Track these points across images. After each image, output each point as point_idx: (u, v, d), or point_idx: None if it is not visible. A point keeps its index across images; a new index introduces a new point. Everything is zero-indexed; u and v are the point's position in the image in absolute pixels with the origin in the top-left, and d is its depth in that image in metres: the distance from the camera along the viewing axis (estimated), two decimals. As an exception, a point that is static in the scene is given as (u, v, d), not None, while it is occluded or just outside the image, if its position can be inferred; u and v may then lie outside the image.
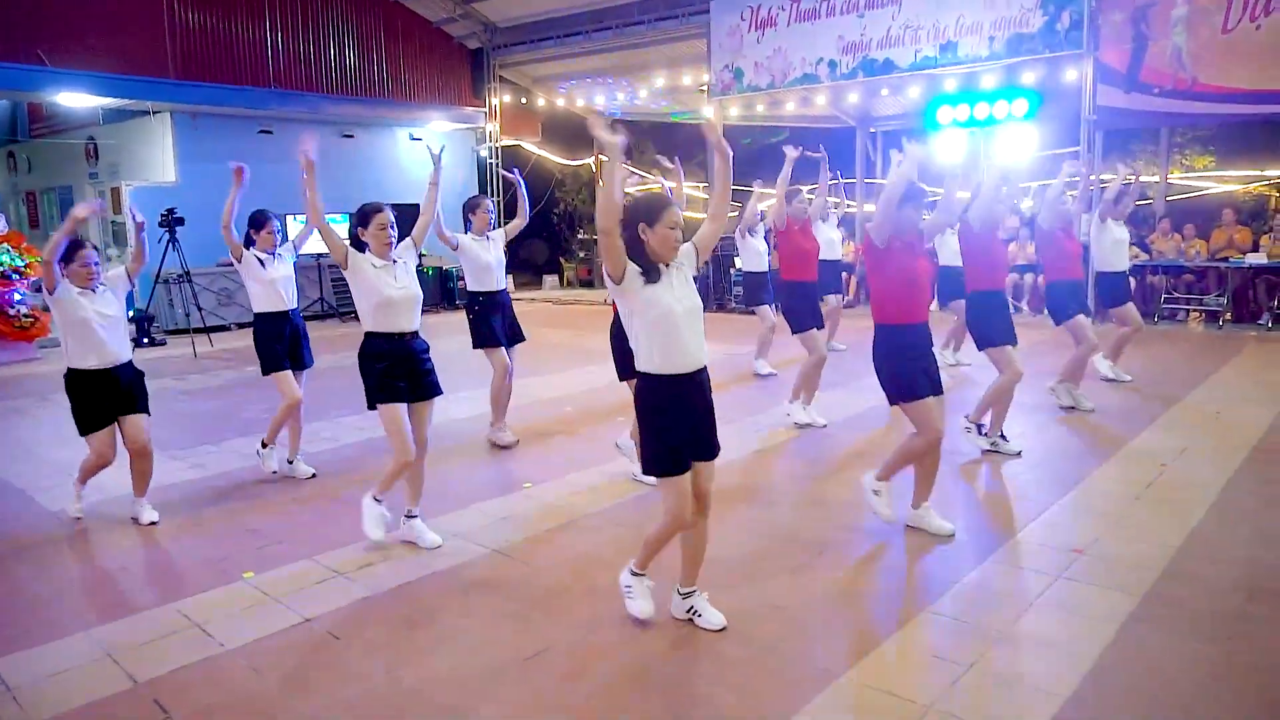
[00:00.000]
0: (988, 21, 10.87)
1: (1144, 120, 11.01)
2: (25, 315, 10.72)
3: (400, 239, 4.24)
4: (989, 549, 4.09)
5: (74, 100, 12.44)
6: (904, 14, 11.46)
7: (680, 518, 3.18)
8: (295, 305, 5.47)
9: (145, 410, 4.66)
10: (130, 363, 4.63)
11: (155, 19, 13.03)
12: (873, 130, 17.33)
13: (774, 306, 8.13)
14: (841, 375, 7.93)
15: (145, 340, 11.62)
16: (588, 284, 19.47)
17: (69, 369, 4.51)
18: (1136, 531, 4.25)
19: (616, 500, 4.93)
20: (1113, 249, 7.44)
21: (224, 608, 3.65)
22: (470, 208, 6.01)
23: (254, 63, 14.17)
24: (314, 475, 5.47)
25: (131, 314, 11.67)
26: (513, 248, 6.26)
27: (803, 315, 6.41)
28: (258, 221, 5.33)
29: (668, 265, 3.14)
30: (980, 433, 5.66)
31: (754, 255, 8.18)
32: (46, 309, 4.56)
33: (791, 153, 5.98)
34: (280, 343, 5.35)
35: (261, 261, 5.28)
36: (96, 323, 4.43)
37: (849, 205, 18.02)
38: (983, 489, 5.07)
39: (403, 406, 4.14)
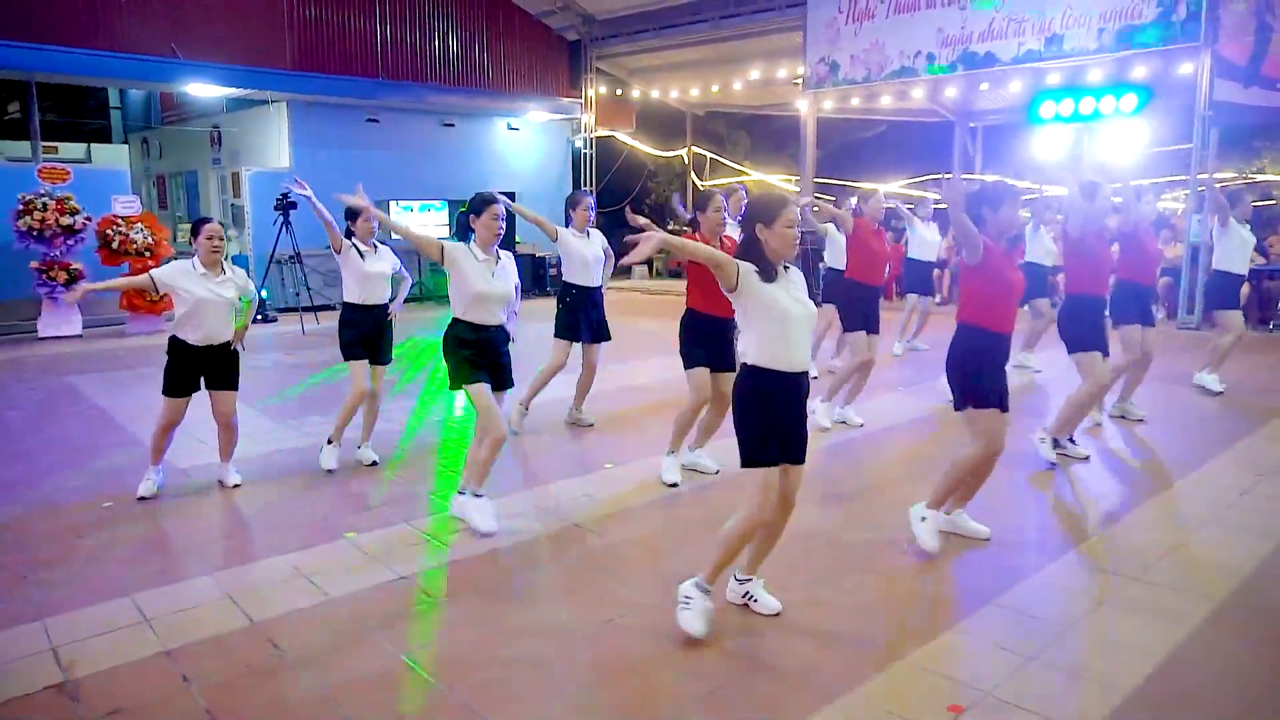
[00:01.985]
0: (1096, 13, 10.50)
1: (1264, 116, 10.45)
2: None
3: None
4: (1062, 549, 4.09)
5: (201, 90, 13.29)
6: (1008, 6, 11.17)
7: (761, 512, 3.21)
8: (385, 302, 5.46)
9: (235, 387, 5.00)
10: (227, 342, 4.91)
11: (275, 12, 13.79)
12: (972, 125, 16.95)
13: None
14: (914, 372, 7.89)
15: (259, 317, 12.38)
16: (676, 274, 19.61)
17: (173, 336, 4.84)
18: (1222, 539, 4.18)
19: (687, 485, 5.10)
20: (1239, 249, 7.14)
21: (328, 562, 3.99)
22: (571, 204, 6.14)
23: (363, 54, 14.82)
24: (375, 463, 5.50)
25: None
26: (606, 238, 6.34)
27: (856, 316, 6.29)
28: (353, 211, 5.36)
29: (785, 267, 3.25)
30: (1055, 446, 5.47)
31: (840, 253, 8.09)
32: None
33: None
34: (358, 335, 5.36)
35: (361, 254, 5.34)
36: (211, 303, 4.75)
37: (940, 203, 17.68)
38: (1062, 491, 5.02)
39: (488, 385, 4.35)
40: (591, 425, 6.37)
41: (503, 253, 4.46)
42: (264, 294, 12.56)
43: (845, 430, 6.28)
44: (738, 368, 3.31)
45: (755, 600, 3.50)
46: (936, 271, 13.36)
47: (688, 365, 5.06)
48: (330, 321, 12.49)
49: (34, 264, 10.90)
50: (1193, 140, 10.31)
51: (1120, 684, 2.92)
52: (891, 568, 3.92)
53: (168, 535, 4.39)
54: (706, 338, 4.99)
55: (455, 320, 4.41)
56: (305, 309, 12.16)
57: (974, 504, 4.38)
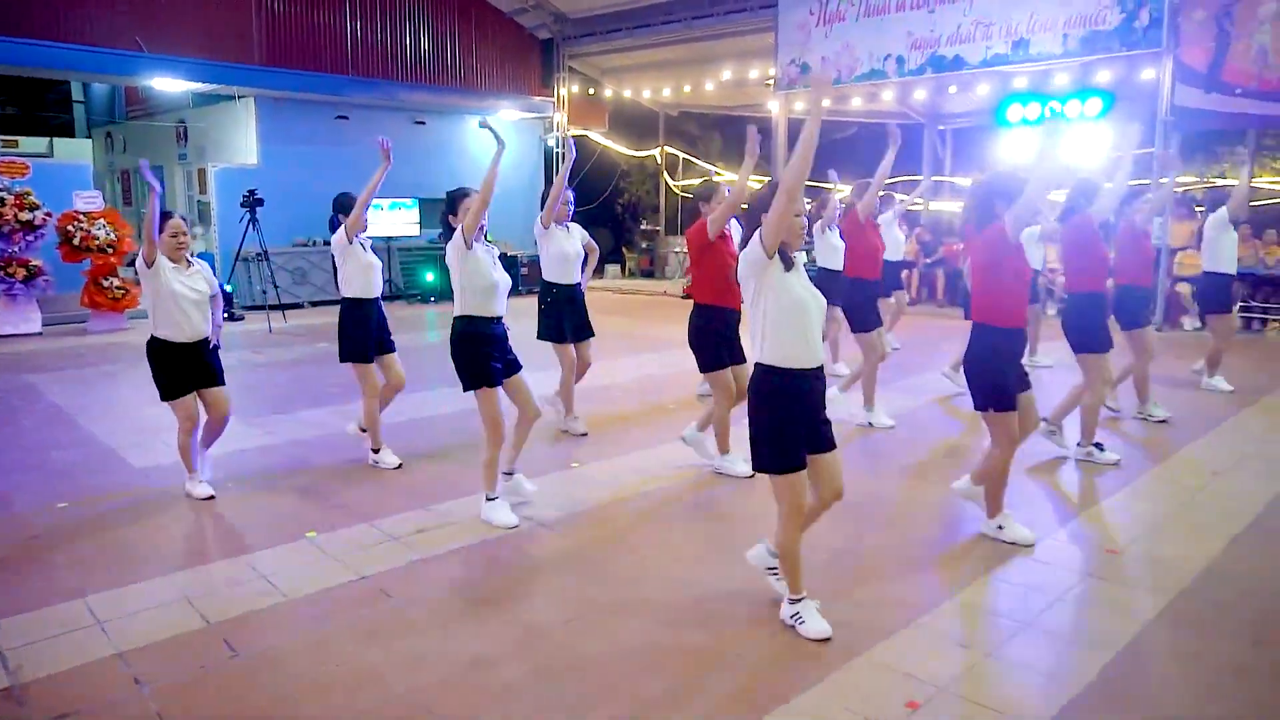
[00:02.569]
0: (1062, 18, 10.66)
1: (1224, 121, 10.66)
2: (118, 287, 11.39)
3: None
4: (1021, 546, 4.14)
5: (167, 85, 13.08)
6: (976, 10, 11.31)
7: (800, 510, 3.19)
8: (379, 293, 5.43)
9: (224, 382, 4.92)
10: (207, 339, 4.81)
11: (244, 6, 13.62)
12: (941, 128, 17.12)
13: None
14: (891, 373, 7.96)
15: (225, 315, 12.20)
16: (649, 274, 19.64)
17: (152, 337, 4.72)
18: (1176, 536, 4.25)
19: (661, 483, 5.11)
20: (1231, 248, 7.25)
21: (288, 562, 3.94)
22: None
23: (333, 50, 14.68)
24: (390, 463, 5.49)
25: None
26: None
27: (867, 314, 6.35)
28: (346, 205, 5.29)
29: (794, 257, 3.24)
30: (1088, 456, 5.44)
31: (832, 251, 7.99)
32: (138, 281, 4.76)
33: (896, 140, 5.94)
34: (367, 331, 5.31)
35: (363, 244, 5.26)
36: (185, 297, 4.66)
37: (915, 203, 17.83)
38: (1029, 486, 5.08)
39: (499, 390, 4.36)
40: (585, 435, 6.09)
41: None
42: (229, 287, 12.41)
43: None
44: (750, 362, 3.27)
45: (803, 623, 3.29)
46: (905, 272, 13.53)
47: (710, 367, 5.06)
48: (299, 320, 12.41)
49: (-9, 260, 10.68)
50: (1155, 145, 10.48)
51: (1072, 680, 2.96)
52: (855, 564, 3.95)
53: (124, 536, 4.31)
54: (720, 335, 5.02)
55: (465, 318, 4.30)
56: (273, 307, 12.02)
57: (934, 501, 4.42)
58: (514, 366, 4.49)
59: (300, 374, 8.46)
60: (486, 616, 3.46)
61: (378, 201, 14.40)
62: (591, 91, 17.93)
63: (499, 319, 4.39)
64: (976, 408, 4.08)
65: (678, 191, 20.11)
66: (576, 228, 6.03)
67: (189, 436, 4.78)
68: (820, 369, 3.25)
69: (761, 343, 3.20)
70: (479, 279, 4.26)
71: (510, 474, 4.66)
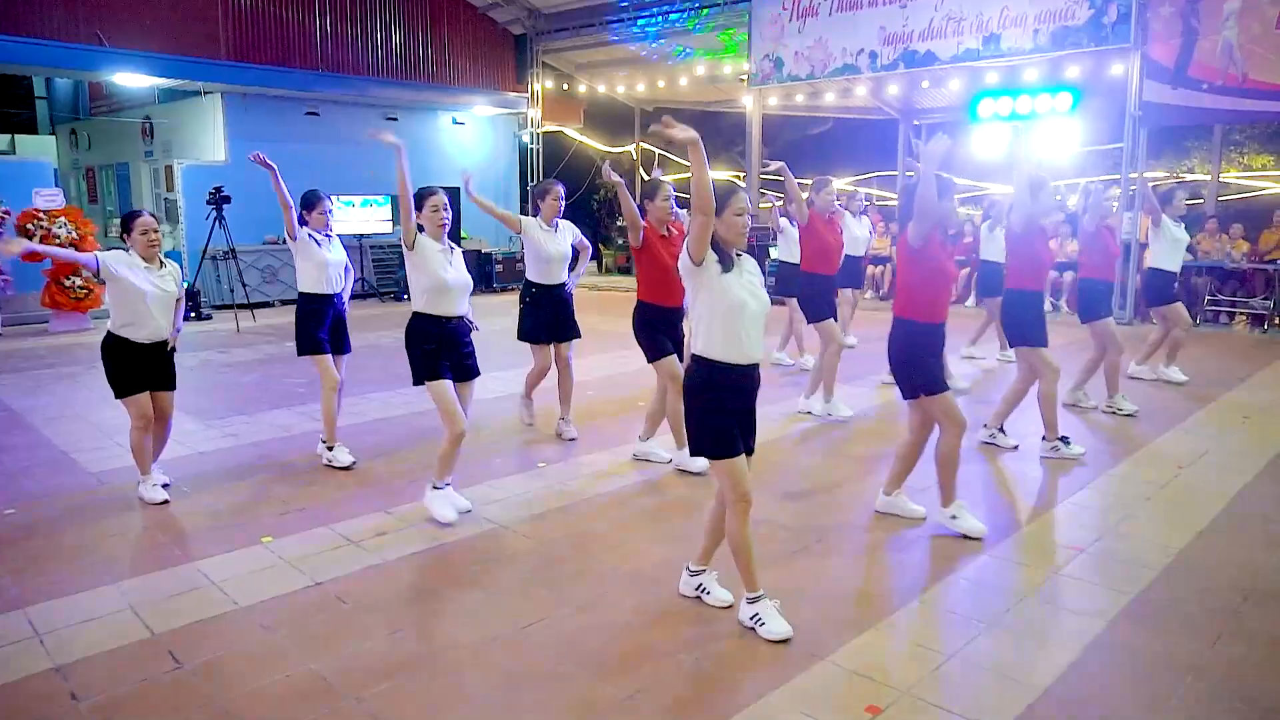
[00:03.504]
0: (1032, 14, 10.68)
1: (1191, 117, 10.74)
2: (80, 287, 11.16)
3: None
4: (989, 543, 4.11)
5: (130, 80, 12.83)
6: (947, 5, 11.31)
7: (745, 497, 3.20)
8: (340, 290, 5.41)
9: (175, 386, 4.81)
10: (164, 340, 4.70)
11: (210, 1, 13.37)
12: (916, 123, 17.15)
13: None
14: (852, 366, 7.95)
15: (192, 314, 12.00)
16: (625, 270, 19.55)
17: (110, 334, 4.59)
18: (1140, 532, 4.24)
19: (624, 483, 5.04)
20: (1171, 248, 7.31)
21: (241, 569, 3.84)
22: (540, 193, 5.68)
23: (303, 45, 14.46)
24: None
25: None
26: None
27: (820, 306, 6.44)
28: (309, 202, 5.28)
29: (739, 255, 3.23)
30: (1054, 450, 5.46)
31: (791, 245, 8.08)
32: (102, 281, 4.65)
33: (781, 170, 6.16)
34: (322, 326, 5.30)
35: (318, 242, 5.25)
36: (153, 297, 4.54)
37: (885, 199, 17.88)
38: (992, 484, 5.07)
39: (449, 381, 4.31)
40: (574, 439, 5.89)
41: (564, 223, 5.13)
42: (187, 284, 12.18)
43: (800, 421, 6.27)
44: (686, 356, 3.30)
45: (708, 593, 3.48)
46: (873, 268, 13.55)
47: (654, 357, 5.10)
48: (268, 319, 12.22)
49: (-51, 261, 10.43)
50: (1124, 140, 10.54)
51: (1035, 680, 2.93)
52: (816, 565, 3.90)
53: (71, 543, 4.17)
54: (659, 328, 5.08)
55: (416, 315, 4.36)
56: (240, 306, 11.83)
57: (912, 498, 4.39)
58: (465, 372, 4.42)
59: (266, 374, 8.31)
60: (442, 623, 3.38)
61: (349, 199, 14.27)
62: (565, 87, 17.81)
63: (451, 318, 4.34)
64: (905, 398, 4.19)
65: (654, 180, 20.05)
66: (567, 226, 5.76)
67: (143, 435, 4.65)
68: (755, 366, 3.24)
69: (698, 336, 3.23)
70: (426, 278, 4.26)
71: (434, 485, 4.45)
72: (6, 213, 10.77)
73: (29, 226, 10.75)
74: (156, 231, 4.61)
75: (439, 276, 4.25)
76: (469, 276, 4.41)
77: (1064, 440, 5.45)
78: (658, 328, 5.08)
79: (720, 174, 18.22)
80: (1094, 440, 5.88)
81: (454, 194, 4.84)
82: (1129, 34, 10.12)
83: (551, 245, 5.64)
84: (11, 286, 10.89)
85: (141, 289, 4.49)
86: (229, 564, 3.90)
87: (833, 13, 12.40)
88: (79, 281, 11.13)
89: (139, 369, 4.61)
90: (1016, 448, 5.59)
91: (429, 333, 4.30)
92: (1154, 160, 13.12)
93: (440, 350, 4.29)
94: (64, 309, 11.05)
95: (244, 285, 12.07)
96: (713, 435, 3.19)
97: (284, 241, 5.34)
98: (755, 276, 3.29)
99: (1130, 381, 7.40)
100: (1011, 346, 5.68)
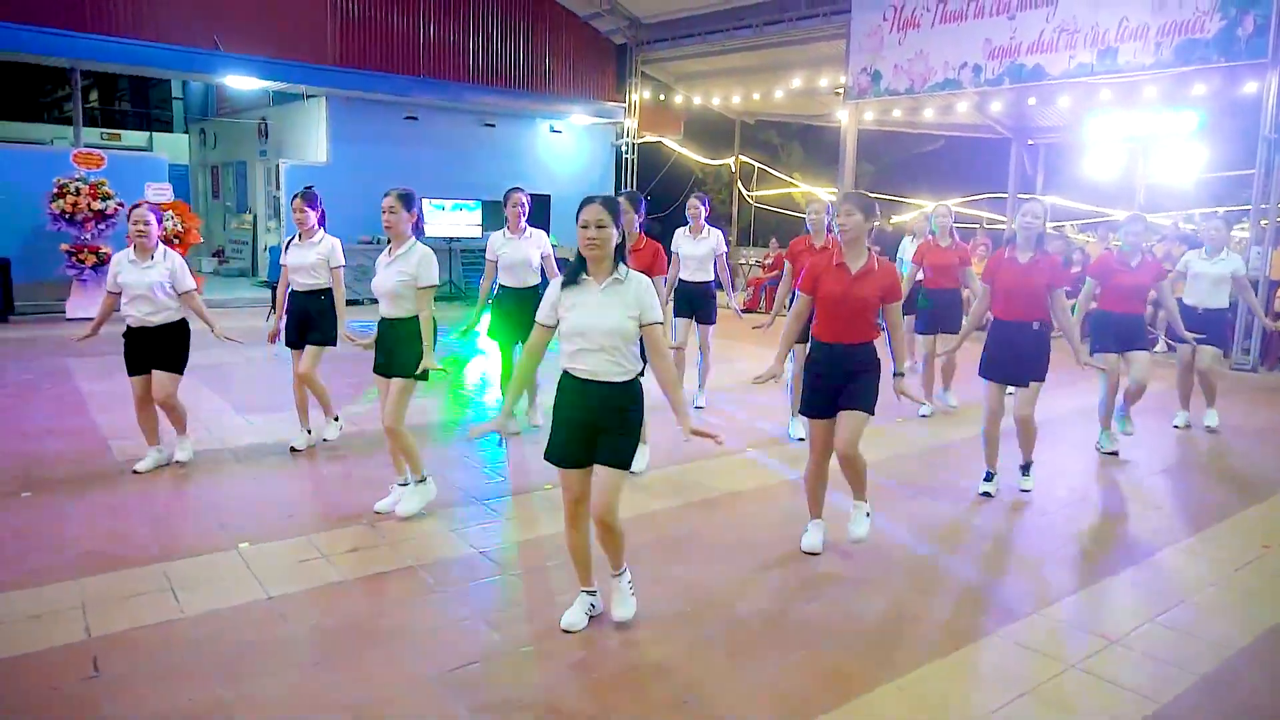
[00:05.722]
0: (1155, 26, 9.75)
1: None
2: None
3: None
4: (1004, 618, 3.60)
5: (239, 83, 13.47)
6: (1059, 16, 10.48)
7: (567, 506, 3.30)
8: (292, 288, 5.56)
9: (170, 369, 5.04)
10: (165, 324, 5.00)
11: (319, 7, 13.92)
12: (1031, 142, 16.12)
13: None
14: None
15: (273, 311, 12.44)
16: (718, 285, 19.22)
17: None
18: (1194, 624, 3.63)
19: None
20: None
21: (203, 574, 3.78)
22: (504, 201, 5.97)
23: (406, 51, 14.86)
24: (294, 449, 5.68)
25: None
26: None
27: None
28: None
29: (602, 278, 3.14)
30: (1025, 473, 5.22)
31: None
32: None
33: None
34: (290, 320, 5.60)
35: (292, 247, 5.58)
36: (132, 287, 4.90)
37: (997, 222, 16.84)
38: (1029, 543, 4.50)
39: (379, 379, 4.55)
40: (518, 433, 6.10)
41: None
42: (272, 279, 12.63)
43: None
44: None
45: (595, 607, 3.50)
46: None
47: None
48: (353, 316, 12.48)
49: (64, 246, 11.16)
50: (1256, 165, 9.48)
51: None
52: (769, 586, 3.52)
53: (50, 532, 4.20)
54: None
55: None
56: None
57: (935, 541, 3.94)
58: (381, 368, 4.50)
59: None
60: (371, 658, 3.18)
61: (439, 202, 14.54)
62: (662, 98, 17.65)
63: (381, 319, 4.48)
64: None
65: (751, 201, 19.63)
66: (537, 234, 6.00)
67: (139, 412, 5.13)
68: (589, 382, 3.14)
69: None
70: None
71: (399, 483, 4.62)
72: (120, 205, 11.44)
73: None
74: (146, 224, 4.89)
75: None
76: (390, 285, 4.39)
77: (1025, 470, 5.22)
78: None
79: (821, 190, 17.65)
80: (1176, 500, 5.19)
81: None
82: (1266, 48, 9.07)
83: (512, 252, 5.88)
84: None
85: (122, 281, 4.88)
86: (195, 568, 3.85)
87: (935, 24, 11.73)
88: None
89: (131, 351, 5.04)
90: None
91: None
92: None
93: (375, 348, 4.53)
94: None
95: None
96: (550, 441, 3.28)
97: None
98: (620, 300, 3.12)
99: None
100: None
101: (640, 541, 4.20)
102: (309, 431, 5.72)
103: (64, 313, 11.31)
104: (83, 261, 11.25)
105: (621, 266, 3.15)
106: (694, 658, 3.21)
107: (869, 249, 4.02)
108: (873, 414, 3.99)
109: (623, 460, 3.17)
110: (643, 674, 3.10)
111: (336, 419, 5.83)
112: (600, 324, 3.09)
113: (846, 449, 3.97)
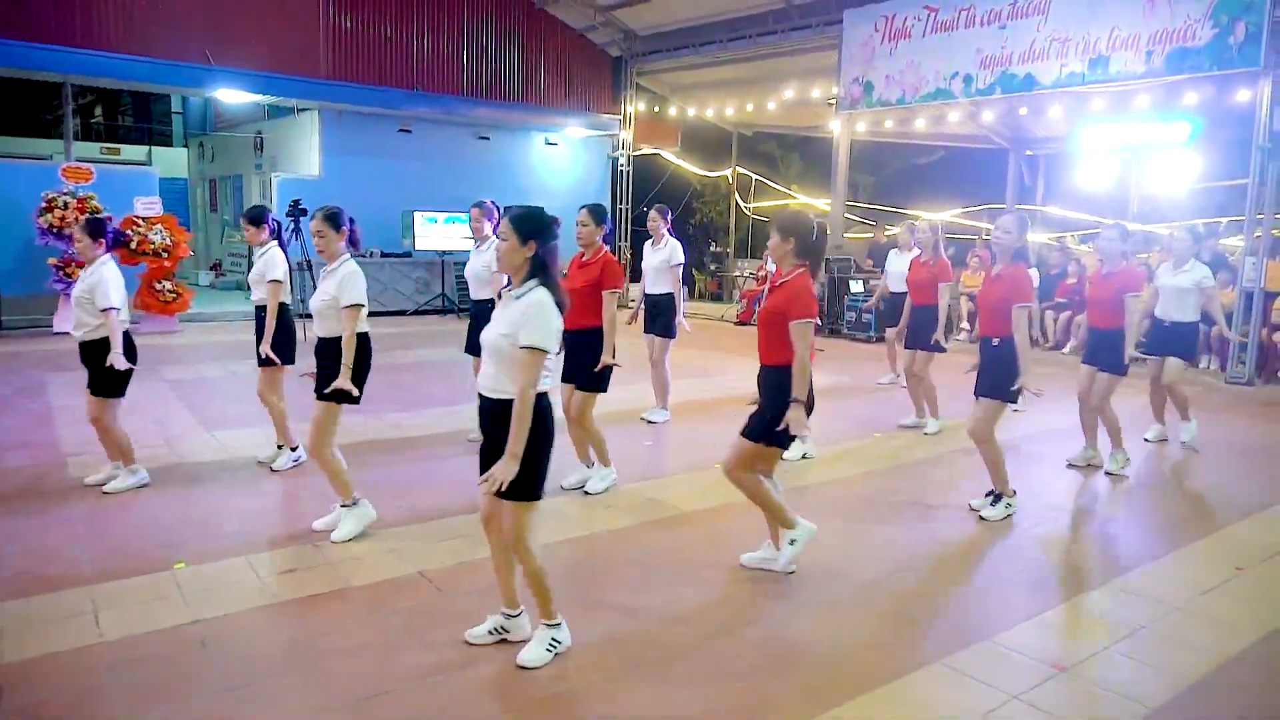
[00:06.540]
0: (1146, 34, 9.61)
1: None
2: (170, 291, 11.76)
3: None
4: (950, 646, 3.45)
5: (231, 97, 13.49)
6: (1050, 25, 10.35)
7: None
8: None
9: (90, 388, 4.90)
10: (88, 342, 4.83)
11: (311, 21, 13.93)
12: (1029, 153, 15.99)
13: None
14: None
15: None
16: (717, 297, 19.12)
17: None
18: (1154, 652, 3.46)
19: (567, 535, 4.64)
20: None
21: (130, 597, 3.68)
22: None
23: (399, 64, 14.84)
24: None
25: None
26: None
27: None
28: (256, 217, 5.64)
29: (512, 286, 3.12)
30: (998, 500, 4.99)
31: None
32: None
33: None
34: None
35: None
36: (73, 300, 4.84)
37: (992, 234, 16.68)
38: (988, 567, 4.35)
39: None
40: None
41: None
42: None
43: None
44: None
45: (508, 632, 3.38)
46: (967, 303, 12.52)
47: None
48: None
49: (52, 260, 11.16)
50: (1249, 175, 9.31)
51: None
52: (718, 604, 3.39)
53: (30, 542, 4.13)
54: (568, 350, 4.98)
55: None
56: (307, 316, 12.12)
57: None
58: (316, 390, 4.35)
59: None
60: (285, 685, 3.07)
61: (432, 215, 14.51)
62: (657, 109, 17.60)
63: (318, 339, 4.38)
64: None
65: (749, 213, 19.53)
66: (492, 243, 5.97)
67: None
68: (484, 399, 3.08)
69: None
70: None
71: (341, 504, 4.47)
72: (109, 219, 11.44)
73: (128, 232, 11.40)
74: (79, 238, 4.85)
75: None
76: (315, 304, 4.35)
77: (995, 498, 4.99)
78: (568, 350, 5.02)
79: (818, 202, 17.55)
80: (1148, 519, 5.03)
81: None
82: (1258, 56, 8.92)
83: (478, 261, 5.85)
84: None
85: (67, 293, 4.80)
86: (124, 590, 3.74)
87: (927, 34, 11.62)
88: (169, 285, 11.73)
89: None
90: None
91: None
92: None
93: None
94: (153, 311, 11.65)
95: (320, 296, 12.38)
96: None
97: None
98: (504, 318, 3.05)
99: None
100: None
101: (584, 562, 4.07)
102: (280, 446, 5.60)
103: (51, 327, 11.31)
104: (70, 276, 11.21)
105: (530, 283, 3.04)
106: (618, 688, 3.09)
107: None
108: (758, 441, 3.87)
109: (511, 489, 2.93)
110: (562, 702, 2.98)
111: (295, 449, 5.57)
112: (486, 336, 3.08)
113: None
